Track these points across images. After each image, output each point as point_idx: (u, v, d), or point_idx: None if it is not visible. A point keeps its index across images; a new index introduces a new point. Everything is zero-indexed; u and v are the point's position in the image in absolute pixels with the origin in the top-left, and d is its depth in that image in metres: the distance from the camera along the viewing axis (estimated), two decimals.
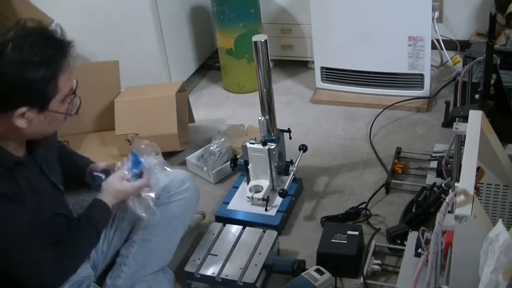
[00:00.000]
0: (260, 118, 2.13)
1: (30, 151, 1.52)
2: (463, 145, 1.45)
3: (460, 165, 1.35)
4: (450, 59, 3.06)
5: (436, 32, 2.98)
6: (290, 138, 2.29)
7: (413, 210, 2.05)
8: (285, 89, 3.17)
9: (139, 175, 1.70)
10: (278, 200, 2.16)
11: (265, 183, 2.19)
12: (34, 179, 1.50)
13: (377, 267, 1.84)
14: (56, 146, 1.69)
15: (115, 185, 1.67)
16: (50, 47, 1.40)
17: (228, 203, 2.21)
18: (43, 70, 1.37)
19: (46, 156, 1.57)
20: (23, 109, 1.38)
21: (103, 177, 1.73)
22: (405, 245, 1.84)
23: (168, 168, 1.80)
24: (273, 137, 2.18)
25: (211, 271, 1.84)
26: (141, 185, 1.69)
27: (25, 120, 1.39)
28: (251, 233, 1.99)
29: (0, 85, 1.35)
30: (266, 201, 2.13)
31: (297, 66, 3.35)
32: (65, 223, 1.64)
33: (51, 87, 1.40)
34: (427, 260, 1.32)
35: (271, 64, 2.34)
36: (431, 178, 2.19)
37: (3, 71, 1.34)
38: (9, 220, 1.40)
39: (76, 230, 1.60)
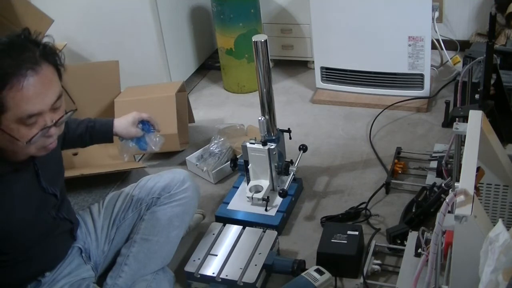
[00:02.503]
0: (260, 118, 2.13)
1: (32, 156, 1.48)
2: (463, 145, 1.45)
3: (460, 165, 1.35)
4: (450, 59, 3.06)
5: (436, 32, 2.98)
6: (290, 138, 2.29)
7: (413, 210, 2.05)
8: (285, 89, 3.17)
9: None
10: (278, 200, 2.16)
11: (265, 183, 2.19)
12: (24, 184, 1.48)
13: (377, 267, 1.84)
14: (59, 145, 1.65)
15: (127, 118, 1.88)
16: (10, 58, 1.29)
17: (228, 203, 2.21)
18: None
19: (46, 159, 1.53)
20: None
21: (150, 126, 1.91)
22: (405, 245, 1.83)
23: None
24: (273, 137, 2.18)
25: (211, 271, 1.84)
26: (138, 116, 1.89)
27: None
28: (251, 233, 1.99)
29: None
30: (266, 201, 2.13)
31: (297, 66, 3.35)
32: (68, 229, 1.67)
33: None
34: (427, 260, 1.32)
35: (271, 64, 2.34)
36: (431, 178, 2.19)
37: None
38: None
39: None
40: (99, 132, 1.87)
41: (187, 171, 2.42)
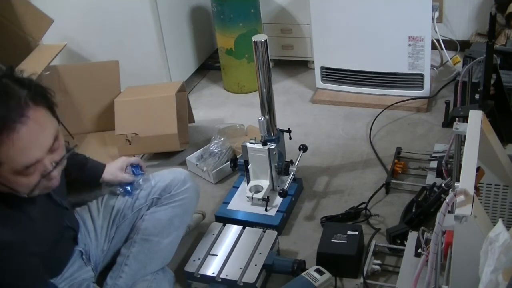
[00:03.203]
0: (260, 118, 2.13)
1: None
2: (463, 145, 1.45)
3: (460, 165, 1.35)
4: (450, 59, 3.06)
5: (436, 32, 2.98)
6: (290, 138, 2.29)
7: (413, 210, 2.04)
8: (285, 89, 3.17)
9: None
10: (278, 200, 2.16)
11: (265, 183, 2.19)
12: (40, 206, 1.48)
13: (377, 267, 1.84)
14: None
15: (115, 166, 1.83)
16: None
17: (228, 203, 2.21)
18: None
19: None
20: None
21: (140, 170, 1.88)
22: (405, 245, 1.83)
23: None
24: (273, 137, 2.18)
25: (211, 271, 1.84)
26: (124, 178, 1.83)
27: None
28: (251, 233, 1.99)
29: None
30: (266, 201, 2.13)
31: (297, 66, 3.35)
32: (72, 236, 1.68)
33: None
34: (427, 260, 1.32)
35: (271, 64, 2.34)
36: (431, 178, 2.18)
37: None
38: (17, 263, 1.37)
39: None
40: (88, 175, 1.82)
41: (188, 171, 2.43)
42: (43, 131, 1.28)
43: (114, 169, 1.83)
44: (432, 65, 2.88)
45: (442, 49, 3.06)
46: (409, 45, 2.70)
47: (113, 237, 1.80)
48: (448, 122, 2.58)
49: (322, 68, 2.97)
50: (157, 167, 2.58)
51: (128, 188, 1.85)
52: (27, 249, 1.40)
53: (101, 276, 1.81)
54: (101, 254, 1.78)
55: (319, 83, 3.02)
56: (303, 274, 1.77)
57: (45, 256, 1.51)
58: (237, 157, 2.31)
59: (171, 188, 1.85)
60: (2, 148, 1.21)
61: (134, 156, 2.58)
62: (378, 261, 1.86)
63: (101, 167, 1.84)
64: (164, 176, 1.88)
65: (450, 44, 3.18)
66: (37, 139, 1.26)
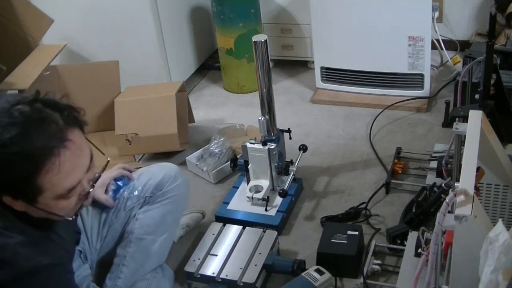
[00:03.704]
0: (260, 118, 2.13)
1: None
2: (463, 145, 1.45)
3: (460, 165, 1.35)
4: (450, 59, 3.06)
5: (436, 32, 2.97)
6: (290, 138, 2.29)
7: (413, 210, 2.05)
8: (285, 89, 3.17)
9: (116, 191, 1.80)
10: (278, 200, 2.16)
11: (265, 183, 2.19)
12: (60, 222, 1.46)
13: (377, 267, 1.84)
14: None
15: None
16: (39, 138, 1.20)
17: (228, 203, 2.21)
18: (24, 164, 1.19)
19: None
20: (8, 198, 1.24)
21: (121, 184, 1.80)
22: (405, 245, 1.83)
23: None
24: (273, 137, 2.18)
25: (211, 271, 1.84)
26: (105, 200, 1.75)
27: (19, 205, 1.26)
28: (251, 233, 1.99)
29: None
30: (266, 201, 2.13)
31: (297, 66, 3.35)
32: (76, 239, 1.67)
33: (31, 183, 1.21)
34: (427, 260, 1.32)
35: (271, 64, 2.34)
36: (431, 178, 2.18)
37: None
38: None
39: None
40: None
41: (187, 171, 2.43)
42: (82, 154, 1.29)
43: (98, 191, 1.73)
44: (432, 65, 2.88)
45: (442, 49, 3.06)
46: (409, 45, 2.70)
47: (105, 235, 1.80)
48: (448, 122, 2.58)
49: (322, 68, 2.97)
50: None
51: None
52: (66, 267, 1.41)
53: (100, 277, 1.81)
54: (95, 252, 1.78)
55: (319, 83, 3.02)
56: (303, 274, 1.77)
57: None
58: (237, 157, 2.31)
59: (162, 185, 1.83)
60: (48, 175, 1.22)
61: (134, 156, 2.60)
62: (378, 261, 1.86)
63: None
64: (155, 173, 1.85)
65: (450, 44, 3.18)
66: (77, 163, 1.28)
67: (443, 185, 2.00)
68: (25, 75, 2.31)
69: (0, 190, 1.23)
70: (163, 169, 1.88)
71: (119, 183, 1.80)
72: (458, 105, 2.07)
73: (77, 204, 1.35)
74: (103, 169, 1.40)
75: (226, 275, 1.82)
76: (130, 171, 1.85)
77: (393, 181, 2.24)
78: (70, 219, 1.35)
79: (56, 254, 1.37)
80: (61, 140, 1.23)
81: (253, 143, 2.15)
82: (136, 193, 1.82)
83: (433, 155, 2.34)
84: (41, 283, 1.31)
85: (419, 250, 1.71)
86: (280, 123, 2.27)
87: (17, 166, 1.19)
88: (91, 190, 1.36)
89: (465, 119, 1.63)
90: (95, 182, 1.37)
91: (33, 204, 1.26)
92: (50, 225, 1.39)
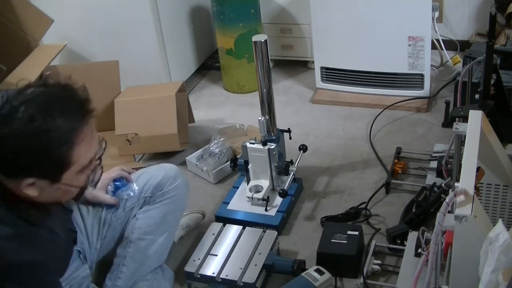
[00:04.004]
0: (260, 118, 2.13)
1: None
2: (463, 145, 1.45)
3: (460, 165, 1.35)
4: (450, 59, 3.06)
5: (436, 32, 2.98)
6: (290, 138, 2.29)
7: (413, 210, 2.05)
8: (285, 89, 3.17)
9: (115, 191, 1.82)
10: (278, 200, 2.16)
11: (265, 183, 2.19)
12: (56, 215, 1.47)
13: (377, 267, 1.84)
14: None
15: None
16: (66, 116, 1.26)
17: (228, 203, 2.21)
18: (55, 141, 1.25)
19: None
20: (30, 180, 1.26)
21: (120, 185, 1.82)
22: (405, 245, 1.84)
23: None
24: (273, 137, 2.18)
25: (211, 271, 1.84)
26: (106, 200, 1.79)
27: (35, 188, 1.28)
28: (251, 233, 1.99)
29: (6, 151, 1.23)
30: (266, 201, 2.13)
31: (297, 66, 3.35)
32: (73, 238, 1.67)
33: (63, 159, 1.27)
34: (427, 260, 1.32)
35: (271, 64, 2.34)
36: (431, 178, 2.19)
37: (12, 138, 1.21)
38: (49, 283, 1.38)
39: None
40: None
41: (187, 171, 2.43)
42: (95, 127, 1.35)
43: (98, 191, 1.76)
44: (432, 65, 2.88)
45: (442, 49, 3.06)
46: (409, 45, 2.70)
47: (105, 235, 1.80)
48: (448, 122, 2.58)
49: (322, 68, 2.97)
50: None
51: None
52: (50, 268, 1.39)
53: (100, 277, 1.81)
54: (95, 252, 1.78)
55: (319, 83, 3.02)
56: (303, 274, 1.77)
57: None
58: (237, 157, 2.31)
59: (162, 185, 1.84)
60: (75, 149, 1.28)
61: (134, 156, 2.60)
62: (378, 261, 1.86)
63: None
64: (154, 173, 1.86)
65: (450, 44, 3.17)
66: (94, 133, 1.34)
67: (443, 185, 2.00)
68: (25, 75, 2.31)
69: (29, 172, 1.26)
70: (162, 169, 1.89)
71: (118, 183, 1.81)
72: (458, 105, 2.07)
73: (85, 182, 1.38)
74: (105, 143, 1.43)
75: (226, 275, 1.82)
76: (129, 173, 1.86)
77: (393, 181, 2.24)
78: (94, 187, 1.41)
79: (42, 253, 1.36)
80: (85, 113, 1.30)
81: (253, 143, 2.15)
82: (134, 193, 1.82)
83: (433, 155, 2.34)
84: (20, 280, 1.30)
85: (419, 250, 1.71)
86: (280, 123, 2.27)
87: (56, 141, 1.24)
88: (98, 165, 1.40)
89: (465, 119, 1.63)
90: (100, 157, 1.40)
91: (57, 181, 1.30)
92: (42, 220, 1.39)
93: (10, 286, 1.28)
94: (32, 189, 1.28)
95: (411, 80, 2.81)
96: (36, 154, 1.24)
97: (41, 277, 1.36)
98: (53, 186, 1.30)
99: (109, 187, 1.79)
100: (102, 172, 1.44)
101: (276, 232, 1.99)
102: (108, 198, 1.78)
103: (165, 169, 1.89)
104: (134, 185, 1.82)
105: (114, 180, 1.81)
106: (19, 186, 1.27)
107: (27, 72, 2.34)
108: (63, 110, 1.26)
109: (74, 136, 1.27)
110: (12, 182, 1.28)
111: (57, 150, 1.25)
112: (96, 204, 1.81)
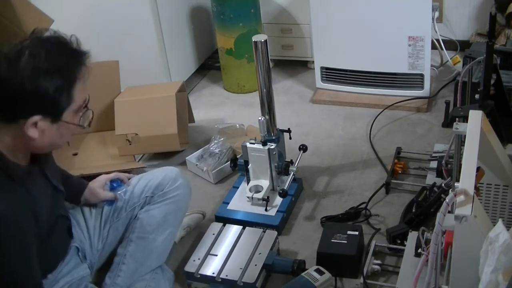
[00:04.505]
0: (260, 118, 2.13)
1: (33, 157, 1.49)
2: (463, 145, 1.45)
3: (460, 165, 1.35)
4: (450, 59, 3.06)
5: (436, 32, 2.97)
6: (290, 138, 2.29)
7: (413, 210, 2.05)
8: (285, 89, 3.17)
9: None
10: (278, 200, 2.16)
11: (265, 183, 2.19)
12: (39, 186, 1.49)
13: (377, 267, 1.84)
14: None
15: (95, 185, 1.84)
16: (66, 56, 1.39)
17: (228, 203, 2.21)
18: (58, 79, 1.35)
19: (46, 159, 1.56)
20: (35, 118, 1.35)
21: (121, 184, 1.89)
22: (405, 245, 1.84)
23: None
24: (273, 137, 2.18)
25: (211, 271, 1.84)
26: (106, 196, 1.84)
27: (37, 130, 1.37)
28: (251, 233, 1.99)
29: (14, 93, 1.33)
30: (266, 201, 2.13)
31: (297, 66, 3.35)
32: (66, 226, 1.67)
33: (65, 97, 1.38)
34: (427, 260, 1.32)
35: (271, 64, 2.34)
36: (431, 178, 2.19)
37: (18, 79, 1.32)
38: (14, 241, 1.37)
39: None
40: (69, 191, 1.76)
41: (179, 168, 2.42)
42: (87, 87, 1.47)
43: (95, 187, 1.83)
44: (432, 65, 2.88)
45: (442, 49, 3.06)
46: (409, 45, 2.70)
47: (107, 236, 1.81)
48: (448, 122, 2.58)
49: (322, 68, 2.97)
50: (157, 167, 2.57)
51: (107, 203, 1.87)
52: (25, 230, 1.39)
53: (99, 276, 1.81)
54: (96, 253, 1.79)
55: (319, 83, 3.02)
56: (303, 274, 1.77)
57: (41, 244, 1.49)
58: (237, 157, 2.31)
59: (163, 186, 1.86)
60: (77, 85, 1.41)
61: (134, 156, 2.60)
62: (378, 261, 1.86)
63: (84, 185, 1.83)
64: (155, 174, 1.90)
65: (450, 44, 3.17)
66: (89, 76, 1.46)
67: (443, 185, 2.00)
68: None
69: (36, 109, 1.35)
70: (163, 171, 1.92)
71: (114, 184, 1.87)
72: (458, 105, 2.07)
73: (80, 123, 1.48)
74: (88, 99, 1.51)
75: (226, 275, 1.82)
76: (128, 178, 1.90)
77: (393, 181, 2.24)
78: (87, 127, 1.51)
79: (18, 208, 1.37)
80: (82, 54, 1.44)
81: (253, 143, 2.15)
82: (126, 194, 1.85)
83: (433, 155, 2.34)
84: None
85: (419, 250, 1.71)
86: (280, 123, 2.27)
87: (62, 79, 1.36)
88: (88, 109, 1.49)
89: (465, 119, 1.63)
90: (87, 104, 1.49)
91: (58, 120, 1.39)
92: (21, 177, 1.41)
93: None
94: (34, 130, 1.36)
95: (411, 80, 2.81)
96: (43, 92, 1.33)
97: (14, 232, 1.36)
98: (53, 126, 1.39)
99: (105, 186, 1.86)
100: (92, 117, 1.53)
101: (276, 232, 1.99)
102: (106, 193, 1.83)
103: (166, 170, 1.92)
104: (129, 188, 1.87)
105: (111, 181, 1.87)
106: (21, 128, 1.35)
107: None
108: (65, 51, 1.40)
109: (74, 76, 1.39)
110: (13, 127, 1.36)
111: (62, 88, 1.36)
112: (97, 204, 1.83)
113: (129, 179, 1.90)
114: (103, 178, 1.85)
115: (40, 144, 1.41)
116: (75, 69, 1.40)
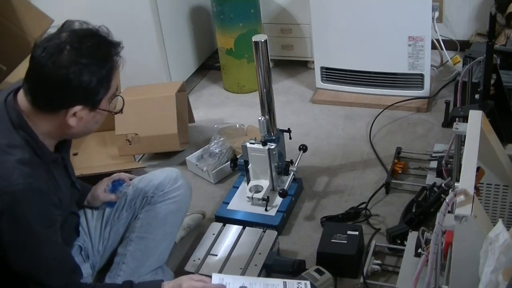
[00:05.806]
0: (260, 118, 2.13)
1: (57, 149, 1.53)
2: (463, 145, 1.45)
3: (460, 165, 1.35)
4: (450, 59, 3.06)
5: (436, 32, 2.97)
6: (290, 138, 2.29)
7: (413, 210, 2.05)
8: (285, 89, 3.17)
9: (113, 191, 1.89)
10: (278, 200, 2.16)
11: (265, 183, 2.19)
12: (61, 176, 1.54)
13: (377, 267, 1.84)
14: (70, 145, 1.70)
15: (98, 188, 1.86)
16: (104, 48, 1.44)
17: (228, 203, 2.21)
18: (100, 71, 1.40)
19: (66, 154, 1.60)
20: (77, 108, 1.40)
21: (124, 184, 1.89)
22: (405, 245, 1.83)
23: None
24: (273, 137, 2.18)
25: (211, 271, 1.84)
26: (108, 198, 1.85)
27: (76, 118, 1.42)
28: (251, 233, 1.99)
29: (58, 86, 1.37)
30: (266, 201, 2.13)
31: (297, 66, 3.35)
32: (75, 223, 1.70)
33: (104, 86, 1.43)
34: (427, 260, 1.32)
35: (271, 64, 2.34)
36: (431, 178, 2.19)
37: (62, 74, 1.35)
38: (48, 220, 1.42)
39: None
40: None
41: (179, 168, 2.42)
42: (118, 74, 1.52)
43: (97, 191, 1.84)
44: (432, 65, 2.88)
45: (442, 49, 3.06)
46: (409, 45, 2.70)
47: (108, 237, 1.82)
48: (448, 122, 2.58)
49: (322, 68, 2.97)
50: (157, 167, 2.57)
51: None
52: (57, 208, 1.45)
53: (100, 276, 1.81)
54: (97, 254, 1.79)
55: (319, 83, 3.02)
56: (303, 274, 1.77)
57: None
58: (237, 157, 2.31)
59: (163, 186, 1.86)
60: (115, 75, 1.46)
61: (134, 156, 2.60)
62: (378, 261, 1.86)
63: (88, 189, 1.85)
64: (156, 175, 1.90)
65: (450, 44, 3.17)
66: (118, 76, 1.52)
67: (443, 185, 2.00)
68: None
69: (78, 99, 1.40)
70: (164, 172, 1.92)
71: (116, 184, 1.87)
72: (458, 105, 2.07)
73: (111, 109, 1.52)
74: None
75: None
76: (130, 179, 1.90)
77: (393, 181, 2.24)
78: (121, 113, 1.55)
79: (50, 189, 1.42)
80: (118, 45, 1.49)
81: (253, 143, 2.15)
82: (127, 192, 1.86)
83: (433, 155, 2.34)
84: (27, 205, 1.35)
85: (419, 250, 1.71)
86: (280, 123, 2.27)
87: (101, 71, 1.40)
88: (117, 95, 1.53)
89: (465, 119, 1.63)
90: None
91: (95, 108, 1.44)
92: (47, 160, 1.45)
93: (21, 211, 1.34)
94: (73, 118, 1.41)
95: (411, 80, 2.81)
96: (86, 84, 1.38)
97: (48, 209, 1.41)
98: (90, 114, 1.44)
99: (107, 186, 1.86)
100: (123, 102, 1.55)
101: (276, 232, 1.99)
102: (107, 195, 1.83)
103: (167, 171, 1.92)
104: (130, 187, 1.87)
105: (113, 182, 1.87)
106: (60, 117, 1.40)
107: None
108: (103, 43, 1.45)
109: (112, 66, 1.44)
110: (52, 115, 1.41)
111: (102, 78, 1.41)
112: (99, 206, 1.84)
113: (130, 179, 1.90)
114: (105, 181, 1.87)
115: (77, 131, 1.47)
116: (113, 60, 1.45)
